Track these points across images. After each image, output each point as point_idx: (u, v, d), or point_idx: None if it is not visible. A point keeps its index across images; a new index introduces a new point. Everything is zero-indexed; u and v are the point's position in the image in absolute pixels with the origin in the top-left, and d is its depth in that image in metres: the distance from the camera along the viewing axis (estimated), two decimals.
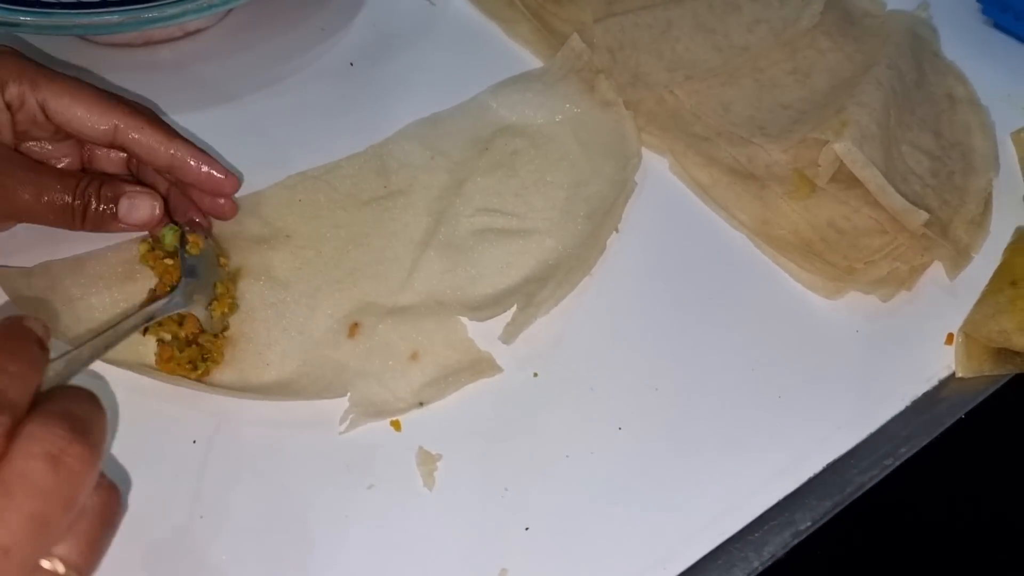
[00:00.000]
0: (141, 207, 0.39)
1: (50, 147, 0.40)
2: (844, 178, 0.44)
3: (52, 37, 0.50)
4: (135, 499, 0.34)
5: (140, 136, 0.38)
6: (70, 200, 0.38)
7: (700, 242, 0.44)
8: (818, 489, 0.36)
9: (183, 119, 0.48)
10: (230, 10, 0.52)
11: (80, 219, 0.38)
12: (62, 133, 0.39)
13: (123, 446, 0.35)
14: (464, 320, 0.40)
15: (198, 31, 0.53)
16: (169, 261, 0.39)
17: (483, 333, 0.39)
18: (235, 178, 0.40)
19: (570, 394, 0.38)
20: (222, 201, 0.40)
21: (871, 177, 0.42)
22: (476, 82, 0.50)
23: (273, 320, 0.39)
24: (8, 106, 0.37)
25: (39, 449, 0.22)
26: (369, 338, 0.39)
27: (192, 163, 0.39)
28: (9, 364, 0.24)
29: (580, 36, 0.50)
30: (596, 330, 0.40)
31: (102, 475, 0.24)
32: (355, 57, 0.52)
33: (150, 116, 0.39)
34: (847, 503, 0.35)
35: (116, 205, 0.39)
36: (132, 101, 0.39)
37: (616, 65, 0.50)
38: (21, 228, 0.40)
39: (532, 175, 0.46)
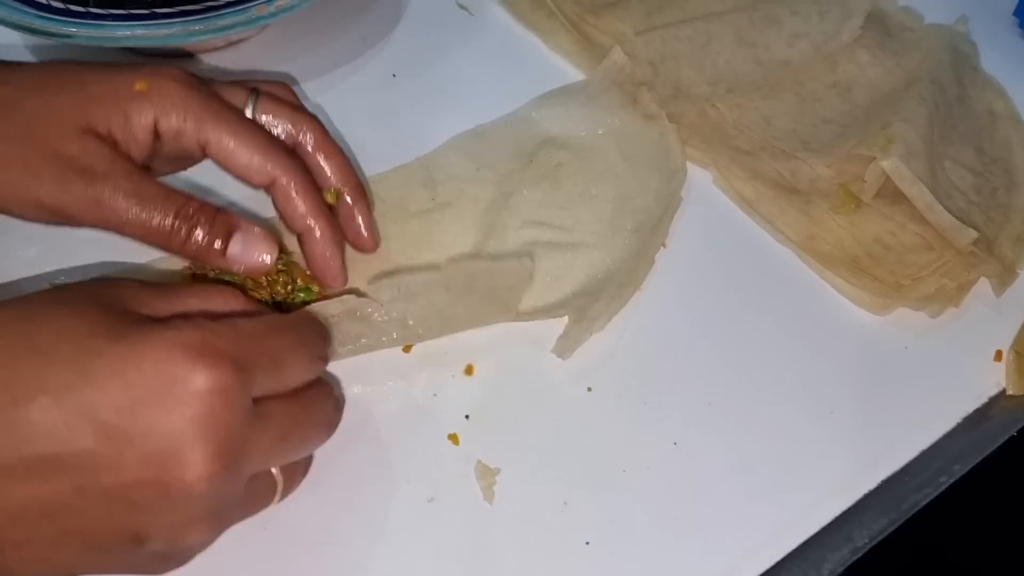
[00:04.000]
0: (256, 250, 0.35)
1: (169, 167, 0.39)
2: (889, 194, 0.45)
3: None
4: None
5: (291, 198, 0.36)
6: (171, 221, 0.34)
7: (746, 256, 0.44)
8: (874, 505, 0.36)
9: None
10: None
11: (179, 242, 0.34)
12: (198, 159, 0.38)
13: None
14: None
15: (240, 41, 0.53)
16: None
17: (537, 348, 0.40)
18: (342, 278, 0.38)
19: (624, 409, 0.38)
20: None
21: (919, 195, 0.42)
22: (517, 93, 0.51)
23: None
24: (158, 135, 0.35)
25: (329, 411, 0.32)
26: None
27: (318, 246, 0.37)
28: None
29: (621, 48, 0.50)
30: (647, 345, 0.40)
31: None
32: (397, 68, 0.52)
33: (306, 176, 0.37)
34: (903, 519, 0.36)
35: (227, 240, 0.35)
36: (288, 148, 0.37)
37: (658, 78, 0.50)
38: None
39: (577, 188, 0.46)
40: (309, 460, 0.33)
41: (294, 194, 0.36)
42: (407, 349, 0.39)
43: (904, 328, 0.42)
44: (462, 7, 0.56)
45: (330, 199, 0.39)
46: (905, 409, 0.39)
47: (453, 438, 0.37)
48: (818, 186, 0.46)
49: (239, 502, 0.29)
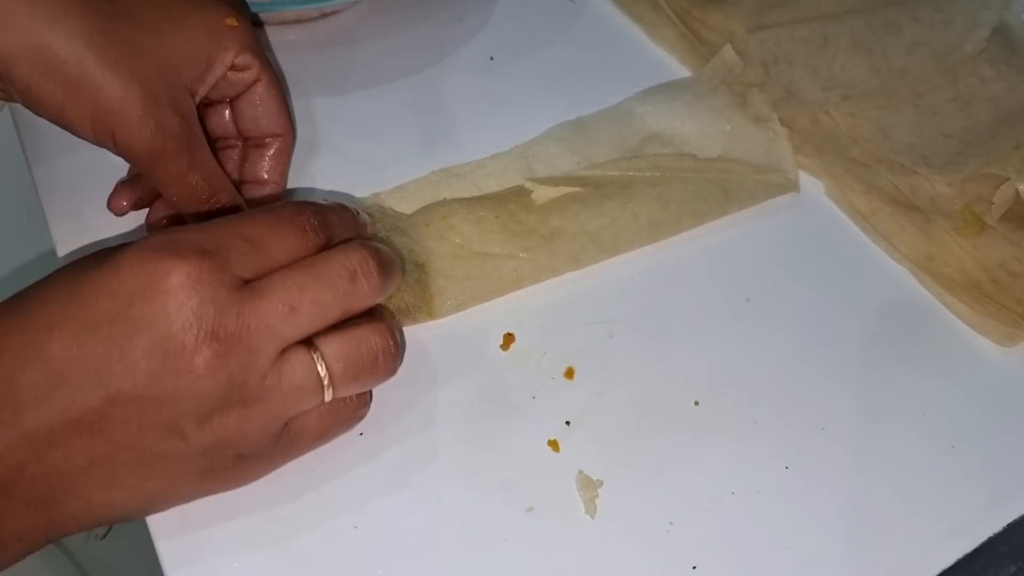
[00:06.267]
0: None
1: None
2: (1015, 218, 0.42)
3: None
4: (283, 502, 0.33)
5: (275, 157, 0.40)
6: (206, 197, 0.36)
7: (860, 273, 0.42)
8: (1001, 550, 0.34)
9: (314, 103, 0.46)
10: None
11: (196, 209, 0.37)
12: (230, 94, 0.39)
13: None
14: None
15: (333, 13, 0.51)
16: None
17: (640, 355, 0.38)
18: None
19: (733, 427, 0.36)
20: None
21: None
22: (618, 85, 0.49)
23: None
24: (233, 66, 0.37)
25: (348, 262, 0.30)
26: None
27: (260, 194, 0.40)
28: (337, 215, 0.32)
29: (731, 46, 0.48)
30: (756, 360, 0.38)
31: (385, 331, 0.31)
32: (494, 51, 0.50)
33: (293, 145, 0.41)
34: None
35: None
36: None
37: (770, 80, 0.48)
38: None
39: None
40: (369, 351, 0.31)
41: (283, 155, 0.40)
42: (506, 347, 0.38)
43: None
44: None
45: None
46: None
47: (553, 445, 0.35)
48: (938, 204, 0.44)
49: (269, 386, 0.28)
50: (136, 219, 0.40)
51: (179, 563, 0.31)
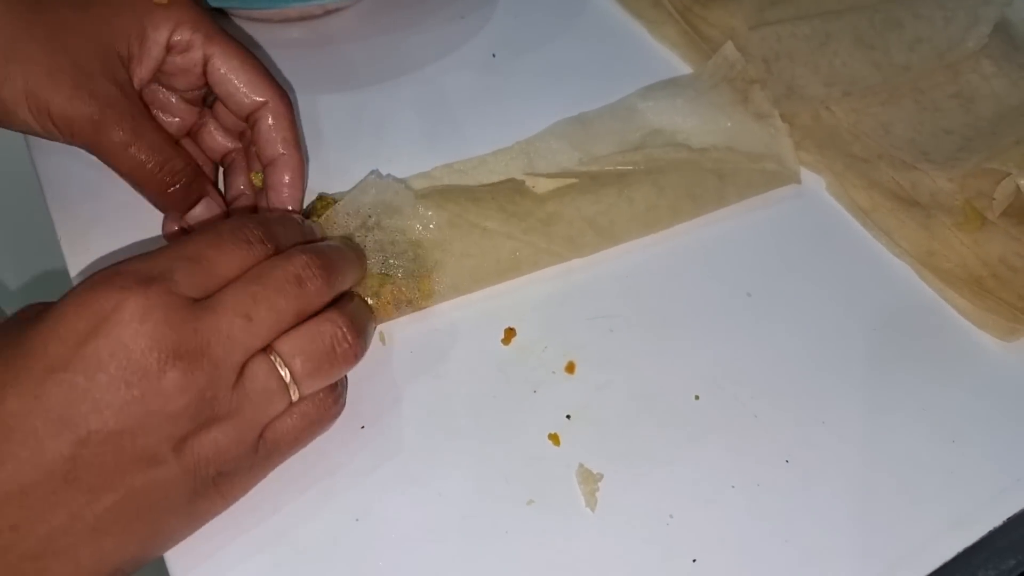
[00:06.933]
0: (208, 216, 0.38)
1: (172, 100, 0.39)
2: (1016, 213, 0.42)
3: None
4: (286, 495, 0.33)
5: (274, 124, 0.38)
6: (157, 168, 0.35)
7: (861, 269, 0.42)
8: (1000, 543, 0.34)
9: (317, 100, 0.46)
10: None
11: (156, 190, 0.36)
12: (197, 92, 0.39)
13: None
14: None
15: (337, 10, 0.52)
16: None
17: (640, 348, 0.38)
18: (299, 205, 0.39)
19: (733, 421, 0.36)
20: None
21: None
22: (620, 81, 0.49)
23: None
24: (169, 47, 0.36)
25: (291, 267, 0.30)
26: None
27: (285, 177, 0.38)
28: (282, 224, 0.32)
29: (733, 44, 0.48)
30: (757, 355, 0.38)
31: (338, 319, 0.31)
32: (497, 48, 0.51)
33: (290, 105, 0.38)
34: None
35: (195, 203, 0.37)
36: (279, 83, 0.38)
37: (771, 76, 0.48)
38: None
39: None
40: (324, 342, 0.31)
41: (281, 119, 0.37)
42: (507, 341, 0.38)
43: None
44: None
45: (256, 181, 0.39)
46: None
47: (553, 438, 0.35)
48: (939, 200, 0.44)
49: (237, 397, 0.28)
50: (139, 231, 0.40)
51: (184, 559, 0.31)
